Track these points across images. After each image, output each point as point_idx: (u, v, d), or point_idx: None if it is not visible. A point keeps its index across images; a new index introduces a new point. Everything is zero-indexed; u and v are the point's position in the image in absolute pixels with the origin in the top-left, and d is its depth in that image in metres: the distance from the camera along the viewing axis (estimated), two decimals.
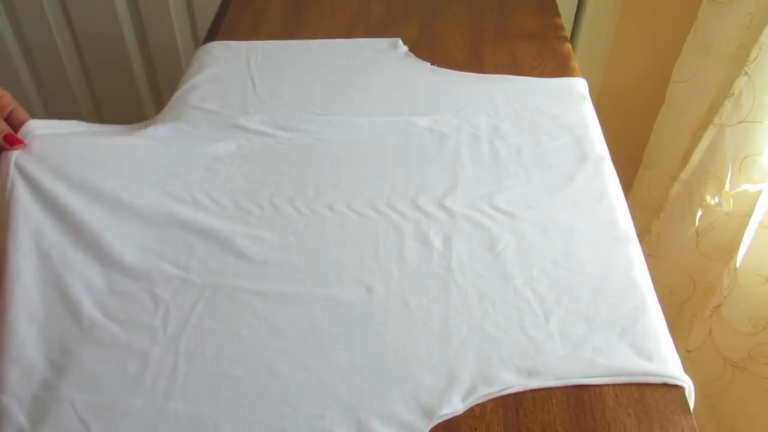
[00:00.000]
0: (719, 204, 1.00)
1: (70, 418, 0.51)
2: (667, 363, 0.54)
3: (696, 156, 1.03)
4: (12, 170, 0.63)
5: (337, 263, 0.62)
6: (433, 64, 0.90)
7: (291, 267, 0.62)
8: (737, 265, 0.90)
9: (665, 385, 0.53)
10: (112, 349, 0.56)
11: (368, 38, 0.96)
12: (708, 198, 1.01)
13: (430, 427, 0.51)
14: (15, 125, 0.66)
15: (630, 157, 1.22)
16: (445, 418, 0.51)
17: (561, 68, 0.89)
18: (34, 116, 0.68)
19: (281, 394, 0.53)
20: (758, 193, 0.92)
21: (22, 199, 0.62)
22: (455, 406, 0.51)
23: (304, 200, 0.68)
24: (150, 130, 0.75)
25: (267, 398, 0.52)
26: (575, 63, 0.91)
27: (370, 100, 0.82)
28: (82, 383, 0.53)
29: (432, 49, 0.94)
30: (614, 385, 0.53)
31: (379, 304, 0.59)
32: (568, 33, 1.09)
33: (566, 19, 1.25)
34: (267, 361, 0.55)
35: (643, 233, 1.17)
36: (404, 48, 0.93)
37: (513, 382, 0.53)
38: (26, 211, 0.61)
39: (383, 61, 0.90)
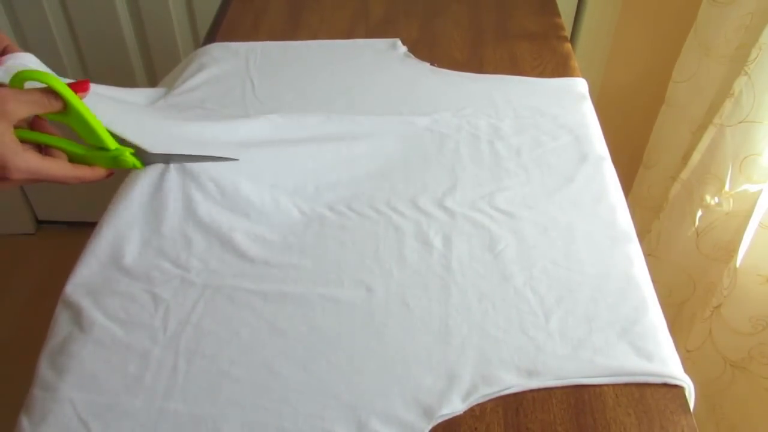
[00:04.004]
0: (719, 204, 1.00)
1: (71, 418, 0.51)
2: (667, 363, 0.54)
3: (696, 156, 1.03)
4: None
5: (337, 263, 0.62)
6: (432, 64, 0.90)
7: (291, 267, 0.62)
8: (737, 265, 0.90)
9: (665, 385, 0.53)
10: (113, 349, 0.56)
11: (368, 39, 0.96)
12: (708, 198, 1.01)
13: (430, 427, 0.50)
14: None
15: (630, 157, 1.22)
16: (445, 418, 0.51)
17: (561, 68, 0.89)
18: None
19: (281, 394, 0.53)
20: (758, 193, 0.92)
21: None
22: (455, 406, 0.51)
23: (303, 197, 0.68)
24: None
25: (267, 398, 0.52)
26: (575, 63, 0.91)
27: (370, 101, 0.82)
28: (82, 383, 0.53)
29: (432, 49, 0.94)
30: (614, 385, 0.53)
31: (379, 305, 0.59)
32: (568, 33, 1.09)
33: (566, 18, 1.25)
34: (267, 361, 0.55)
35: (643, 233, 1.17)
36: (403, 48, 0.93)
37: (513, 382, 0.53)
38: None
39: (383, 62, 0.90)
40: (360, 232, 0.65)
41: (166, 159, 0.63)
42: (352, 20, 1.01)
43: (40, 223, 1.76)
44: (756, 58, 0.89)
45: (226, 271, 0.62)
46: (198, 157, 0.64)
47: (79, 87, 0.58)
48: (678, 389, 0.53)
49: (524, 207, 0.67)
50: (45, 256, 1.69)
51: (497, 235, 0.64)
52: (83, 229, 1.72)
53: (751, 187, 0.96)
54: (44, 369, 0.55)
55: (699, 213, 1.03)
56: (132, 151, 0.61)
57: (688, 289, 1.12)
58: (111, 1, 1.34)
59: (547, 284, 0.59)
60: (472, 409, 0.52)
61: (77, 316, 0.58)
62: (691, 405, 0.52)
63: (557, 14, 1.02)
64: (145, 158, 0.62)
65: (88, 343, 0.56)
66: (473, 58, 0.92)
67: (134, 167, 0.62)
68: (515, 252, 0.63)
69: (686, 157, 1.10)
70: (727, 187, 0.98)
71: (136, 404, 0.52)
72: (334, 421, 0.51)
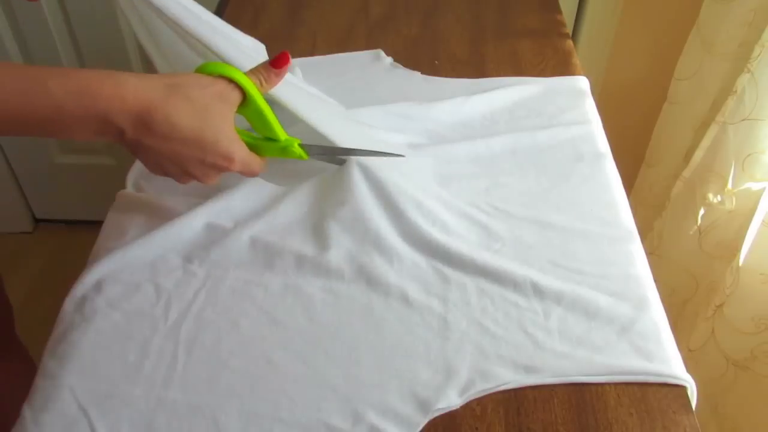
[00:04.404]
0: (722, 202, 0.99)
1: (70, 406, 0.51)
2: (668, 362, 0.54)
3: (698, 154, 1.02)
4: None
5: (338, 255, 0.62)
6: (432, 65, 0.89)
7: (292, 257, 0.62)
8: (740, 263, 0.89)
9: (667, 384, 0.53)
10: (113, 338, 0.56)
11: (350, 53, 0.92)
12: (710, 196, 1.00)
13: (426, 420, 0.50)
14: None
15: (632, 155, 1.21)
16: (442, 412, 0.51)
17: (563, 65, 0.89)
18: None
19: (279, 384, 0.53)
20: (761, 191, 0.91)
21: None
22: (452, 400, 0.51)
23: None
24: None
25: (265, 389, 0.53)
26: (577, 60, 0.90)
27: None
28: (82, 371, 0.54)
29: (433, 46, 0.93)
30: (616, 385, 0.53)
31: (379, 298, 0.59)
32: (569, 30, 1.08)
33: (568, 16, 1.25)
34: (266, 352, 0.55)
35: (645, 231, 1.17)
36: (389, 59, 0.90)
37: (510, 378, 0.52)
38: None
39: (371, 77, 0.87)
40: (362, 224, 0.64)
41: (331, 152, 0.64)
42: (351, 16, 1.00)
43: (37, 221, 1.76)
44: (759, 55, 0.88)
45: (227, 261, 0.62)
46: (365, 152, 0.64)
47: (278, 63, 0.57)
48: (680, 389, 0.52)
49: (524, 205, 0.67)
50: (43, 255, 1.68)
51: (497, 232, 0.64)
52: (81, 227, 1.72)
53: (754, 185, 0.96)
54: (47, 358, 0.55)
55: (701, 211, 1.02)
56: (300, 141, 0.61)
57: (690, 287, 1.11)
58: (110, 0, 1.34)
59: (547, 282, 0.59)
60: (473, 409, 0.51)
61: (80, 303, 0.59)
62: (694, 405, 0.52)
63: (559, 11, 1.02)
64: (310, 149, 0.62)
65: (89, 331, 0.56)
66: (474, 56, 0.91)
67: (300, 158, 0.61)
68: (515, 249, 0.62)
69: (689, 155, 1.10)
70: (729, 185, 0.97)
71: (135, 392, 0.52)
72: (331, 412, 0.51)
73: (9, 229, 1.73)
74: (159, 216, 0.65)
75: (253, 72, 0.56)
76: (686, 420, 0.50)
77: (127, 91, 0.49)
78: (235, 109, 0.55)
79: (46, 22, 1.37)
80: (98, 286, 0.60)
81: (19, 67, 0.48)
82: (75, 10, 1.36)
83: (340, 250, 0.62)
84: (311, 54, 0.92)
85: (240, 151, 0.55)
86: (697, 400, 0.53)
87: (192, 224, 0.63)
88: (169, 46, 0.64)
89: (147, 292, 0.60)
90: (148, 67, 1.49)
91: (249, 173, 0.59)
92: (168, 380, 0.53)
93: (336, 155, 0.64)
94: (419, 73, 0.88)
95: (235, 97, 0.55)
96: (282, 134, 0.60)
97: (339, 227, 0.63)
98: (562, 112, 0.79)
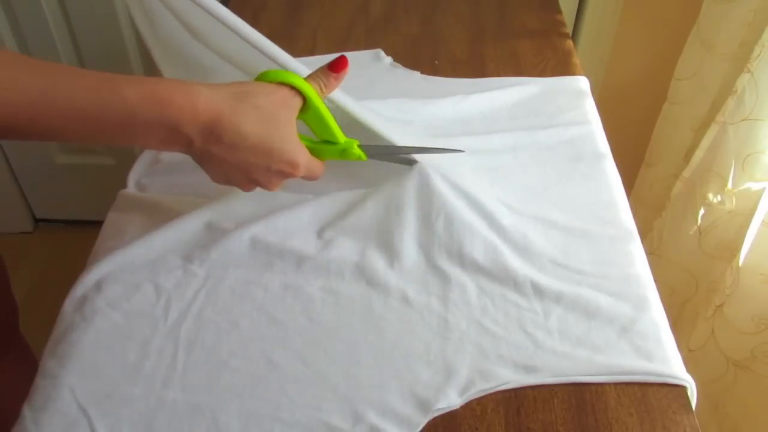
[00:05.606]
0: (722, 202, 0.99)
1: (70, 406, 0.52)
2: (668, 362, 0.54)
3: (698, 154, 1.02)
4: None
5: (338, 255, 0.61)
6: (432, 65, 0.89)
7: (292, 257, 0.62)
8: (740, 263, 0.89)
9: (667, 384, 0.53)
10: (113, 338, 0.56)
11: (349, 52, 0.92)
12: (710, 196, 1.00)
13: (426, 420, 0.50)
14: None
15: (632, 155, 1.21)
16: (442, 412, 0.51)
17: (563, 65, 0.89)
18: None
19: (279, 384, 0.53)
20: (761, 191, 0.91)
21: None
22: (452, 400, 0.51)
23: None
24: None
25: (265, 389, 0.53)
26: (577, 60, 0.90)
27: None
28: (82, 371, 0.54)
29: (432, 46, 0.93)
30: (616, 385, 0.53)
31: (379, 298, 0.59)
32: (569, 30, 1.08)
33: (568, 16, 1.25)
34: (266, 352, 0.55)
35: (645, 231, 1.17)
36: (389, 59, 0.91)
37: (510, 378, 0.52)
38: None
39: (371, 76, 0.87)
40: (363, 224, 0.64)
41: (390, 150, 0.63)
42: (351, 17, 1.00)
43: (38, 221, 1.76)
44: (759, 55, 0.88)
45: (228, 261, 0.62)
46: (425, 149, 0.64)
47: (337, 67, 0.57)
48: (680, 389, 0.52)
49: (524, 204, 0.67)
50: (43, 255, 1.68)
51: (497, 231, 0.64)
52: (81, 227, 1.71)
53: (754, 185, 0.96)
54: (47, 357, 0.55)
55: (701, 211, 1.02)
56: (359, 143, 0.61)
57: (690, 287, 1.11)
58: (110, 0, 1.34)
59: (546, 282, 0.59)
60: (473, 409, 0.51)
61: (80, 303, 0.59)
62: (694, 405, 0.52)
63: (558, 11, 1.02)
64: (369, 150, 0.62)
65: (89, 331, 0.56)
66: (474, 56, 0.91)
67: (359, 159, 0.61)
68: (515, 249, 0.62)
69: (689, 155, 1.10)
70: (729, 185, 0.97)
71: (135, 392, 0.52)
72: (331, 412, 0.51)
73: (9, 229, 1.73)
74: (159, 216, 0.65)
75: (313, 78, 0.57)
76: (686, 420, 0.50)
77: (199, 101, 0.49)
78: (296, 115, 0.56)
79: (46, 22, 1.36)
80: (98, 286, 0.60)
81: (94, 72, 0.48)
82: (75, 10, 1.36)
83: (340, 249, 0.62)
84: (311, 54, 0.92)
85: (304, 157, 0.56)
86: (697, 400, 0.53)
87: (192, 224, 0.63)
88: (170, 39, 0.64)
89: (147, 292, 0.60)
90: (148, 67, 1.50)
91: (311, 178, 0.59)
92: (168, 380, 0.53)
93: (395, 154, 0.64)
94: (419, 73, 0.88)
95: (297, 103, 0.55)
96: (341, 137, 0.60)
97: (339, 227, 0.63)
98: (562, 112, 0.79)
